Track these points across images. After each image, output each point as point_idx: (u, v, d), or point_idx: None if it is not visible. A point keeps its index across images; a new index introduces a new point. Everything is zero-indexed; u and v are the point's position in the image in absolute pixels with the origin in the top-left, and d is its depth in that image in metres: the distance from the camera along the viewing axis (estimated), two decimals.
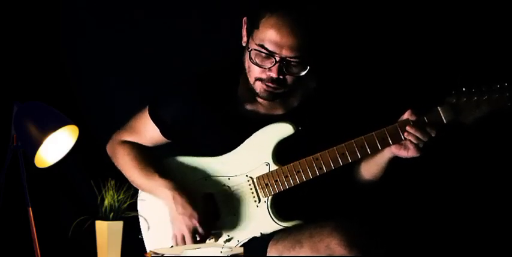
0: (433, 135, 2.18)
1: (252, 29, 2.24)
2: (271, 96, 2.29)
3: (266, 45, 2.20)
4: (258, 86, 2.27)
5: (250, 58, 2.24)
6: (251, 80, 2.28)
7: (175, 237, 2.32)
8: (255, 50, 2.22)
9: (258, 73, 2.25)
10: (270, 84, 2.25)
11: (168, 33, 2.80)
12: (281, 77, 2.23)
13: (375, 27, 2.68)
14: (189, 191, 2.33)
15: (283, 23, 2.18)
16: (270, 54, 2.20)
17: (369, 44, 2.69)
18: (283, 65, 2.21)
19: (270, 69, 2.22)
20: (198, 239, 2.30)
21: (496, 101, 2.15)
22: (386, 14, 2.68)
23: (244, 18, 2.29)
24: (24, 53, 2.78)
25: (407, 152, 2.22)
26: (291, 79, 2.25)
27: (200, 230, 2.29)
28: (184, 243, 2.30)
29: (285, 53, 2.19)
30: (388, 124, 2.23)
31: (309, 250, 2.15)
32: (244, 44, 2.31)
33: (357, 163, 2.37)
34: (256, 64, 2.23)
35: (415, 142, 2.19)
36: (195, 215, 2.29)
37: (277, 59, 2.20)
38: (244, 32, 2.30)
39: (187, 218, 2.29)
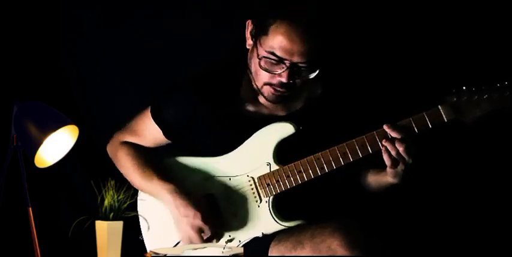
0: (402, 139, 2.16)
1: (259, 34, 2.22)
2: (279, 99, 2.29)
3: (277, 52, 2.19)
4: (266, 90, 2.27)
5: (260, 65, 2.23)
6: (259, 84, 2.28)
7: (183, 240, 2.32)
8: (265, 57, 2.21)
9: (267, 78, 2.25)
10: (279, 88, 2.25)
11: (168, 33, 2.80)
12: (291, 81, 2.22)
13: (377, 30, 2.68)
14: (189, 192, 2.32)
15: (293, 30, 2.16)
16: (281, 61, 2.20)
17: (371, 46, 2.69)
18: (294, 70, 2.21)
19: (280, 74, 2.22)
20: (204, 238, 2.30)
21: (497, 100, 2.15)
22: (387, 15, 2.68)
23: (249, 21, 2.28)
24: (24, 53, 2.78)
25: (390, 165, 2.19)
26: (299, 82, 2.25)
27: (206, 228, 2.29)
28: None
29: (296, 59, 2.18)
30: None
31: (310, 251, 2.15)
32: (248, 47, 2.30)
33: (364, 174, 2.39)
34: (266, 70, 2.23)
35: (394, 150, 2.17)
36: (198, 214, 2.28)
37: (288, 65, 2.20)
38: (248, 35, 2.29)
39: (191, 218, 2.28)
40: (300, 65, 2.20)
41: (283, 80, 2.21)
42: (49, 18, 2.80)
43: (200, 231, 2.29)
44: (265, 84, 2.26)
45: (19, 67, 2.76)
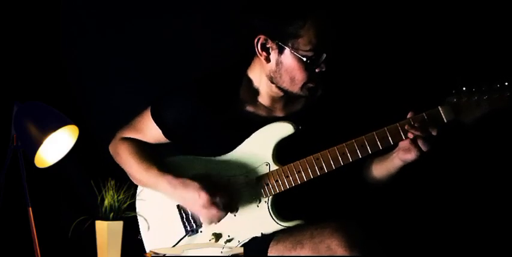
0: (433, 133, 2.18)
1: (288, 41, 2.24)
2: (316, 89, 2.32)
3: (316, 46, 2.23)
4: (306, 88, 2.29)
5: (304, 68, 2.25)
6: (295, 88, 2.29)
7: (205, 222, 2.31)
8: (307, 57, 2.23)
9: (306, 77, 2.27)
10: (318, 79, 2.28)
11: (169, 33, 2.80)
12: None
13: (376, 31, 2.68)
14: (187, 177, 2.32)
15: (323, 21, 2.25)
16: (321, 52, 2.24)
17: (370, 46, 2.69)
18: (327, 57, 2.26)
19: (319, 66, 2.26)
20: (221, 207, 2.28)
21: (497, 100, 2.15)
22: (387, 14, 2.68)
23: (261, 37, 2.27)
24: (24, 53, 2.78)
25: (411, 155, 2.21)
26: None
27: (216, 198, 2.26)
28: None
29: (332, 43, 2.25)
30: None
31: (309, 251, 2.15)
32: (267, 62, 2.29)
33: (369, 163, 2.38)
34: (311, 69, 2.25)
35: (414, 140, 2.18)
36: (203, 193, 2.26)
37: (325, 53, 2.25)
38: (260, 50, 2.28)
39: (198, 199, 2.26)
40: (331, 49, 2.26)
41: (324, 68, 2.26)
42: (49, 18, 2.80)
43: (214, 204, 2.27)
44: (305, 83, 2.28)
45: (19, 67, 2.77)
